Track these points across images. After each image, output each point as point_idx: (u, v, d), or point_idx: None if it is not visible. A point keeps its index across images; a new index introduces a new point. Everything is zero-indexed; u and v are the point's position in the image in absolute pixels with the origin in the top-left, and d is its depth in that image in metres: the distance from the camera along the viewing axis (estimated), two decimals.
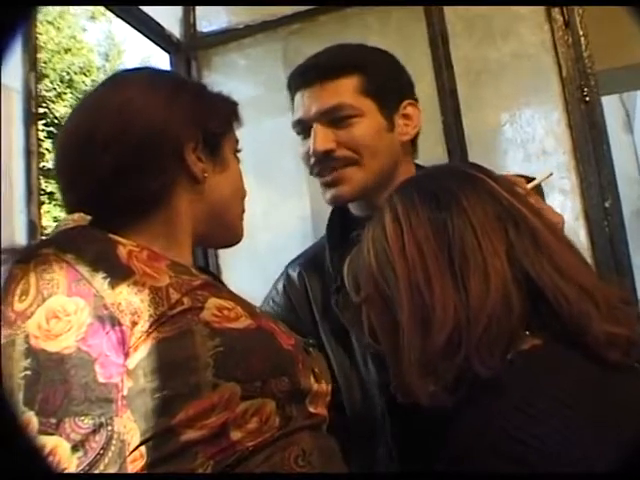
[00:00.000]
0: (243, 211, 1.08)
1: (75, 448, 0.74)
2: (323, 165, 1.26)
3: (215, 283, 0.94)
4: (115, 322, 0.79)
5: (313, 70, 1.27)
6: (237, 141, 1.08)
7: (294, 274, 1.40)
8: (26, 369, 0.76)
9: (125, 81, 1.01)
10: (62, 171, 0.96)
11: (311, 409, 0.89)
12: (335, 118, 1.24)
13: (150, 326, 0.80)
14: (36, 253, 0.84)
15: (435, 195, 0.87)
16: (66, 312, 0.79)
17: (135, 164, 0.91)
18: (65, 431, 0.74)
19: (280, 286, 1.41)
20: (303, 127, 1.29)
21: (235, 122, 1.07)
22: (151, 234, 0.93)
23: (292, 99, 1.32)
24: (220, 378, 0.81)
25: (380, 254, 0.88)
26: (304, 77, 1.28)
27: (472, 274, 0.81)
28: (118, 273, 0.83)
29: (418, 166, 1.38)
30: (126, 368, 0.79)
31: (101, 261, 0.83)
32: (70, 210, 0.94)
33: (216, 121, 1.01)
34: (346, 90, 1.25)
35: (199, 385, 0.80)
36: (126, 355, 0.79)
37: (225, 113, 1.05)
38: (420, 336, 0.82)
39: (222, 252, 2.14)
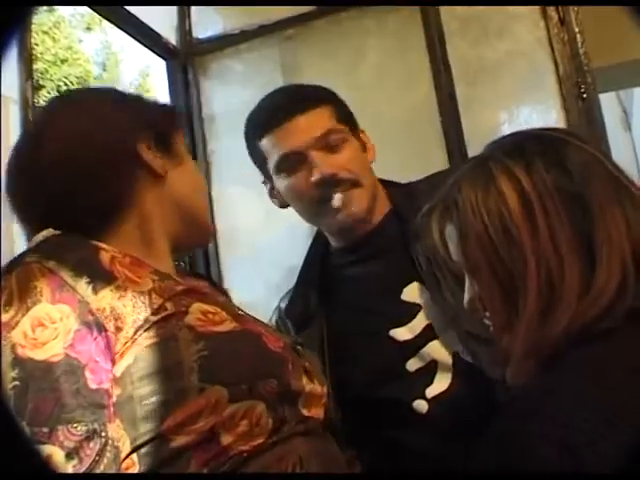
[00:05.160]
0: (207, 206, 1.10)
1: (69, 456, 0.73)
2: (328, 191, 1.25)
3: (200, 289, 0.94)
4: (101, 328, 0.79)
5: (290, 105, 1.27)
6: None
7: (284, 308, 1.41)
8: (14, 379, 0.75)
9: (71, 98, 1.06)
10: (18, 190, 0.95)
11: (304, 412, 0.89)
12: (327, 144, 1.25)
13: (135, 332, 0.80)
14: (18, 263, 0.83)
15: (559, 162, 0.81)
16: (52, 319, 0.78)
17: (93, 171, 0.92)
18: (58, 439, 0.73)
19: (273, 322, 1.40)
20: (293, 160, 1.26)
21: (178, 123, 1.09)
22: (126, 240, 0.93)
23: (259, 140, 1.30)
24: (206, 382, 0.81)
25: (497, 221, 0.81)
26: (284, 112, 1.26)
27: (601, 256, 0.77)
28: (101, 278, 0.82)
29: (381, 181, 1.38)
30: (113, 375, 0.79)
31: (84, 267, 0.83)
32: (32, 227, 0.93)
33: (163, 120, 1.03)
34: (328, 117, 1.27)
35: (185, 390, 0.80)
36: (113, 362, 0.79)
37: (168, 114, 1.07)
38: (541, 319, 0.78)
39: (224, 258, 2.14)
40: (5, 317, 0.78)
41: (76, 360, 0.77)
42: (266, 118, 1.27)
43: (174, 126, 1.05)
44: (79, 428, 0.74)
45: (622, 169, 0.84)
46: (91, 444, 0.74)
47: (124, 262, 0.87)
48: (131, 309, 0.81)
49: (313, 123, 1.25)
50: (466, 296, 0.90)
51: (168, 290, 0.86)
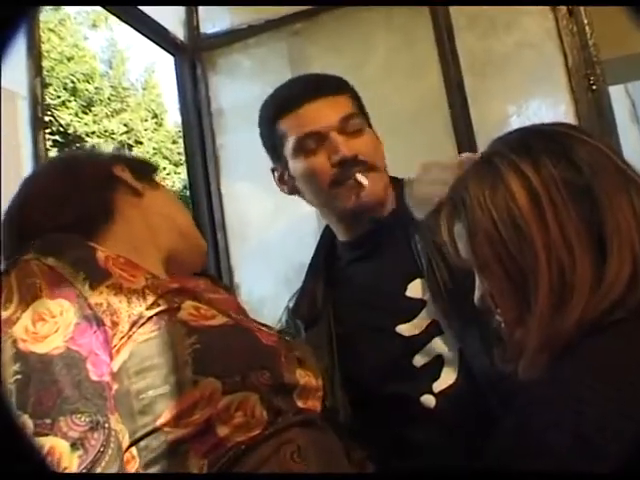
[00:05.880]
0: (194, 226, 1.13)
1: (74, 446, 0.74)
2: (347, 171, 1.24)
3: (192, 288, 0.96)
4: (100, 322, 0.81)
5: (310, 89, 1.28)
6: None
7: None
8: (16, 373, 0.76)
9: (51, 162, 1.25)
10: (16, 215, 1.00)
11: (300, 404, 0.90)
12: (347, 128, 1.25)
13: (130, 328, 0.82)
14: (16, 261, 0.85)
15: (565, 156, 0.82)
16: (52, 314, 0.80)
17: (76, 189, 0.99)
18: (61, 430, 0.74)
19: (283, 322, 1.41)
20: (313, 141, 1.25)
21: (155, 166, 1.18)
22: (114, 248, 0.94)
23: (277, 122, 1.29)
24: (199, 374, 0.83)
25: (506, 217, 0.81)
26: (304, 94, 1.27)
27: (611, 246, 0.77)
28: (97, 275, 0.85)
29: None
30: (111, 370, 0.81)
31: (81, 264, 0.85)
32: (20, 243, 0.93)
33: (135, 159, 1.14)
34: (348, 104, 1.28)
35: (180, 383, 0.82)
36: (110, 356, 0.81)
37: (141, 158, 1.19)
38: (553, 312, 0.78)
39: (234, 253, 2.14)
40: (6, 313, 0.80)
41: (77, 353, 0.79)
42: (286, 100, 1.28)
43: (149, 166, 1.13)
44: (83, 419, 0.75)
45: (628, 161, 0.84)
46: (95, 434, 0.75)
47: (118, 262, 0.89)
48: (126, 305, 0.84)
49: (334, 106, 1.26)
50: (477, 293, 0.90)
51: (161, 287, 0.88)
